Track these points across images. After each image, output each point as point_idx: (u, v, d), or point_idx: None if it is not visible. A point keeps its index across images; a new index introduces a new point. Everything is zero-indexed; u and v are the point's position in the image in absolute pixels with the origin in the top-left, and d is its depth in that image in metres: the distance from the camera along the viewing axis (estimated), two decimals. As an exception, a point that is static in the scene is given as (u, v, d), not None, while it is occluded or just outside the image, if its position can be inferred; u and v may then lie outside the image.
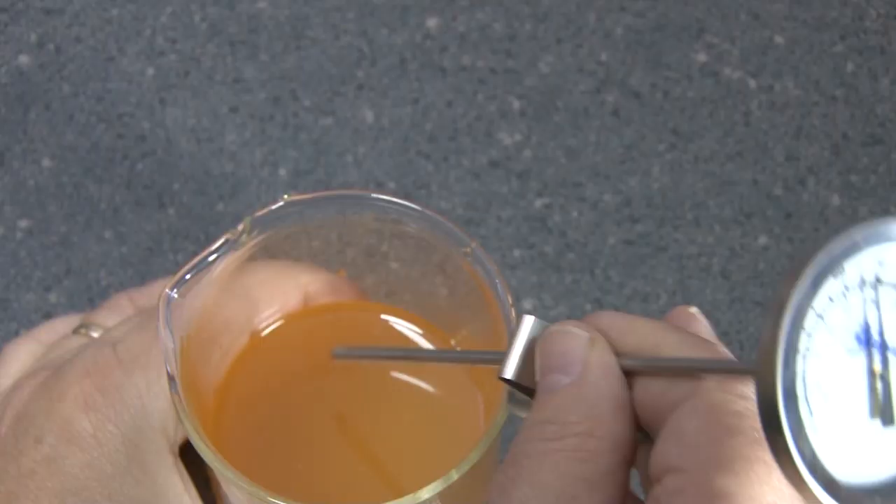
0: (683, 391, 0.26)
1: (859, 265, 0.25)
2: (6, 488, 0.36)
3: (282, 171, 0.62)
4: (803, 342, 0.24)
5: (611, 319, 0.28)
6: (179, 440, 0.37)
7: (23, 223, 0.60)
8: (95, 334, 0.42)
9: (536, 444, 0.26)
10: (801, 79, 0.66)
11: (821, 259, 0.24)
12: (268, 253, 0.40)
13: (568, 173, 0.62)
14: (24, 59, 0.65)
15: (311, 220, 0.39)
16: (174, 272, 0.36)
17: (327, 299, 0.42)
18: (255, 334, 0.41)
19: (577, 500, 0.25)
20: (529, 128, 0.64)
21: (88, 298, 0.58)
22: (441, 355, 0.41)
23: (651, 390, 0.27)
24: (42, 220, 0.60)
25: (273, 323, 0.41)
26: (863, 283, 0.25)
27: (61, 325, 0.44)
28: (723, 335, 0.58)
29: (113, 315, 0.42)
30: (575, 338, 0.28)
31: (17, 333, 0.57)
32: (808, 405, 0.24)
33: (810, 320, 0.24)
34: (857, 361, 0.25)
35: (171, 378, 0.35)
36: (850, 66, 0.66)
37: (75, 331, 0.42)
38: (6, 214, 0.60)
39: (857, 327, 0.25)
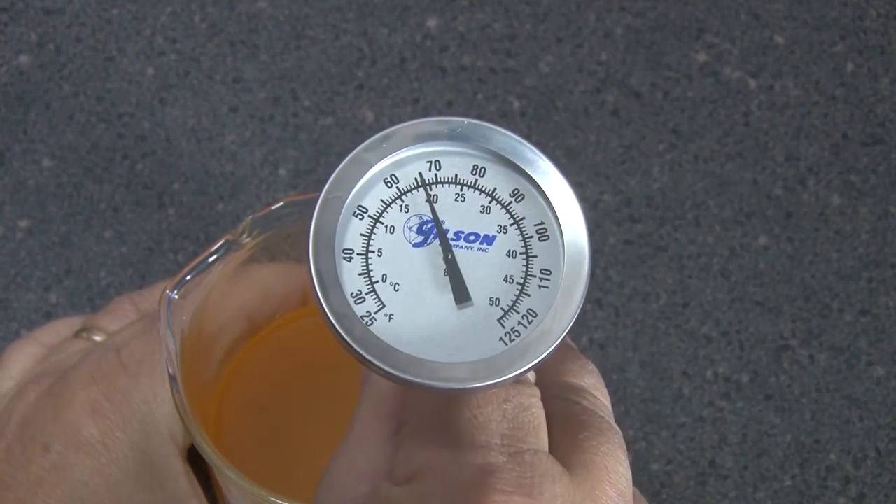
0: None
1: (406, 170, 0.29)
2: (15, 496, 0.35)
3: (282, 171, 0.62)
4: (355, 244, 0.27)
5: None
6: (187, 445, 0.37)
7: (23, 223, 0.60)
8: (98, 338, 0.42)
9: None
10: (801, 79, 0.66)
11: (341, 173, 0.29)
12: (268, 253, 0.40)
13: (568, 173, 0.62)
14: (24, 59, 0.65)
15: (312, 220, 0.39)
16: (174, 272, 0.36)
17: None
18: (255, 334, 0.41)
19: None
20: (529, 128, 0.64)
21: (88, 298, 0.58)
22: None
23: None
24: (42, 220, 0.60)
25: (273, 323, 0.41)
26: (417, 184, 0.28)
27: (63, 328, 0.44)
28: (723, 335, 0.58)
29: (115, 319, 0.42)
30: None
31: (17, 333, 0.57)
32: (378, 296, 0.27)
33: (359, 224, 0.28)
34: (425, 252, 0.28)
35: (172, 378, 0.35)
36: (850, 66, 0.66)
37: (77, 334, 0.42)
38: (6, 214, 0.60)
39: (418, 222, 0.28)
